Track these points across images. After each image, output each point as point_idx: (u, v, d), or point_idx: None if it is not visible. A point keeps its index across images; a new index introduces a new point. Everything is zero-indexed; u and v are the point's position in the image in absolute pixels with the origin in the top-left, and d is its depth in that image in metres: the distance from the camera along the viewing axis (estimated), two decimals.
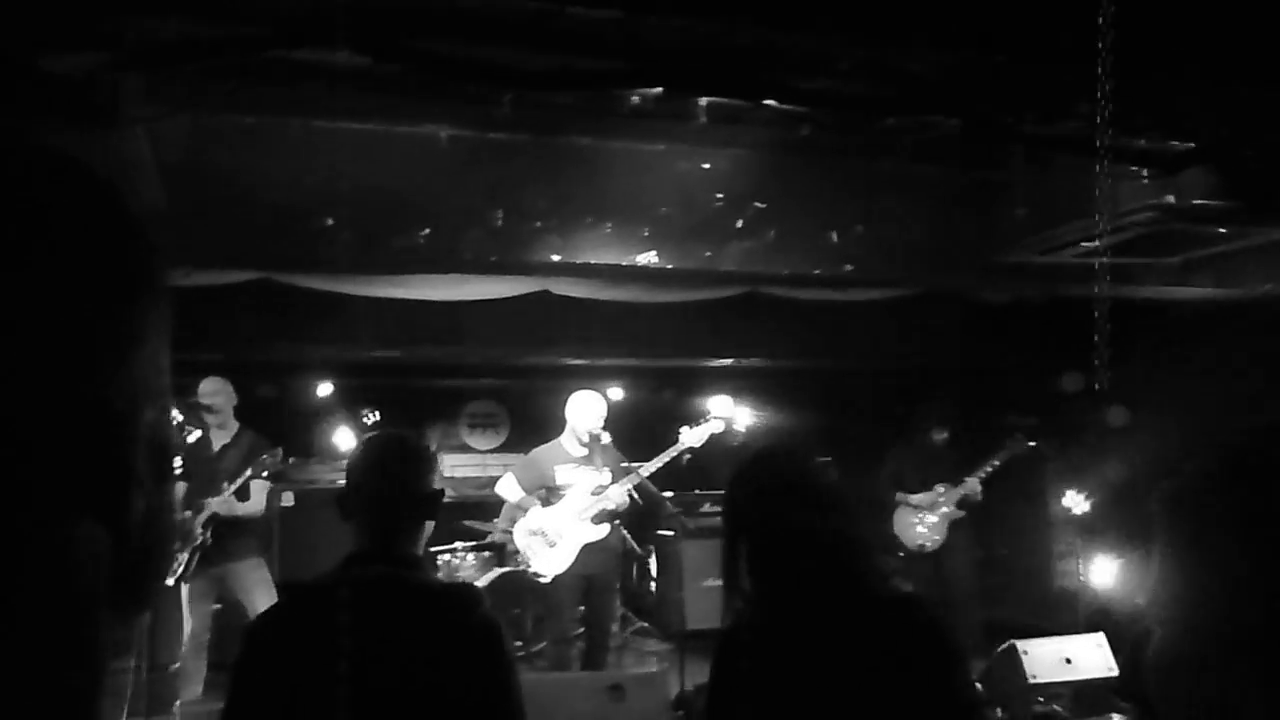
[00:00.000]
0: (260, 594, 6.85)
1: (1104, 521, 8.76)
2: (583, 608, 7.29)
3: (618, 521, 7.31)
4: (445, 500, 2.77)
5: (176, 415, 7.33)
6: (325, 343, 8.86)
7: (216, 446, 7.20)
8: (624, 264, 7.57)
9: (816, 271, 7.93)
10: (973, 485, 8.79)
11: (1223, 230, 7.19)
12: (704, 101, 6.01)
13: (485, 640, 2.50)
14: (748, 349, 9.51)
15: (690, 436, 7.37)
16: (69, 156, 0.67)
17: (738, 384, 10.68)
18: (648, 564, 10.90)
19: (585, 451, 7.23)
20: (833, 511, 2.70)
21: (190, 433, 7.16)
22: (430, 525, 2.70)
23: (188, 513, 7.01)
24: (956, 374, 10.09)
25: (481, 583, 8.11)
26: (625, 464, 7.26)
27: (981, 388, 10.11)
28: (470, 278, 7.66)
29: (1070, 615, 8.46)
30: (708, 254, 7.67)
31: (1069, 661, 6.54)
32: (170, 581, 6.90)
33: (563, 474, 7.17)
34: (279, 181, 6.72)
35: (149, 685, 6.36)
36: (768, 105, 5.14)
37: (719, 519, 9.36)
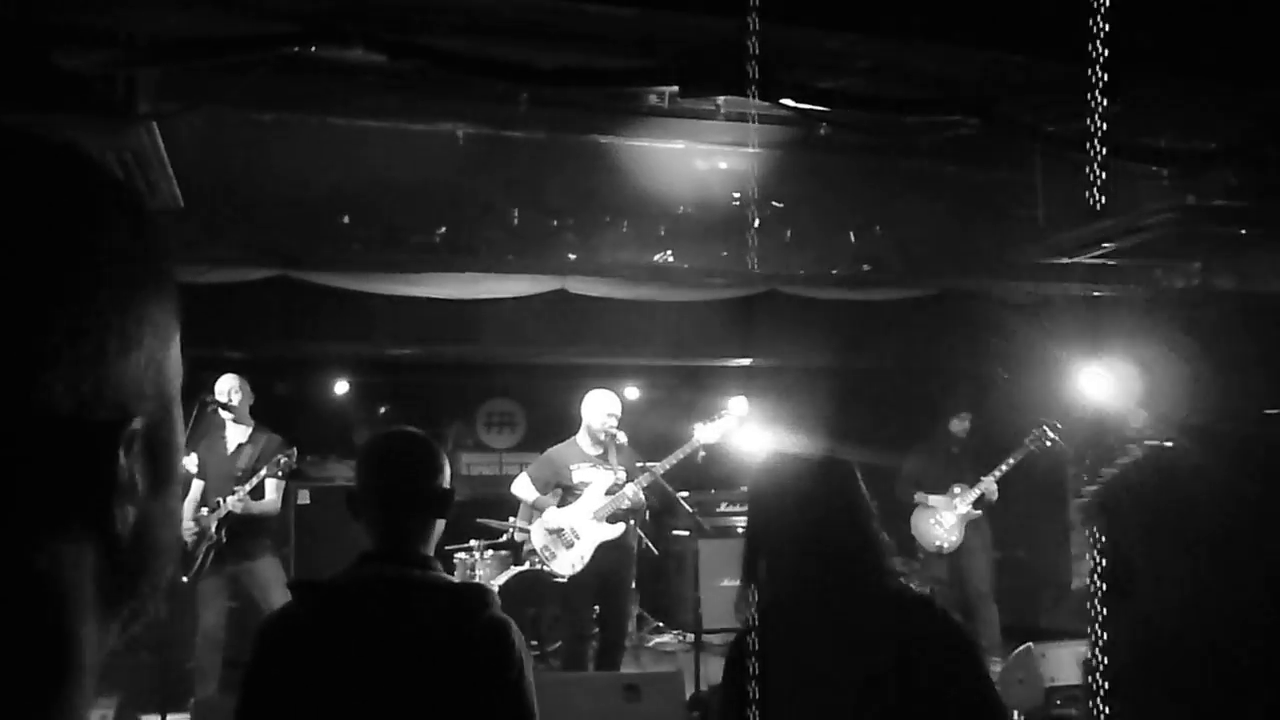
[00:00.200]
0: (276, 592, 6.84)
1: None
2: (598, 607, 7.28)
3: (633, 521, 7.29)
4: (462, 499, 2.75)
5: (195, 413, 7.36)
6: (342, 340, 8.87)
7: (232, 445, 7.20)
8: (641, 263, 7.57)
9: (834, 271, 7.91)
10: (989, 485, 8.75)
11: (1243, 231, 7.14)
12: (721, 100, 6.00)
13: (497, 640, 2.49)
14: (765, 349, 9.50)
15: (704, 433, 7.34)
16: (73, 148, 0.65)
17: (755, 384, 10.65)
18: (664, 563, 10.88)
19: (600, 450, 7.21)
20: (851, 512, 2.69)
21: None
22: (442, 524, 2.68)
23: (203, 510, 7.02)
24: (974, 373, 10.05)
25: (498, 581, 8.10)
26: (640, 463, 7.24)
27: (999, 387, 10.07)
28: (487, 276, 7.66)
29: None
30: (724, 253, 7.66)
31: None
32: (185, 579, 6.92)
33: (578, 473, 7.16)
34: (296, 179, 6.73)
35: (163, 682, 6.38)
36: (786, 104, 5.12)
37: (735, 519, 9.35)
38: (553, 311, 8.18)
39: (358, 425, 10.84)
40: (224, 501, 6.90)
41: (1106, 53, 3.73)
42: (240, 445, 7.20)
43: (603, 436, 7.14)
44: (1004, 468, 8.80)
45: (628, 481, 7.11)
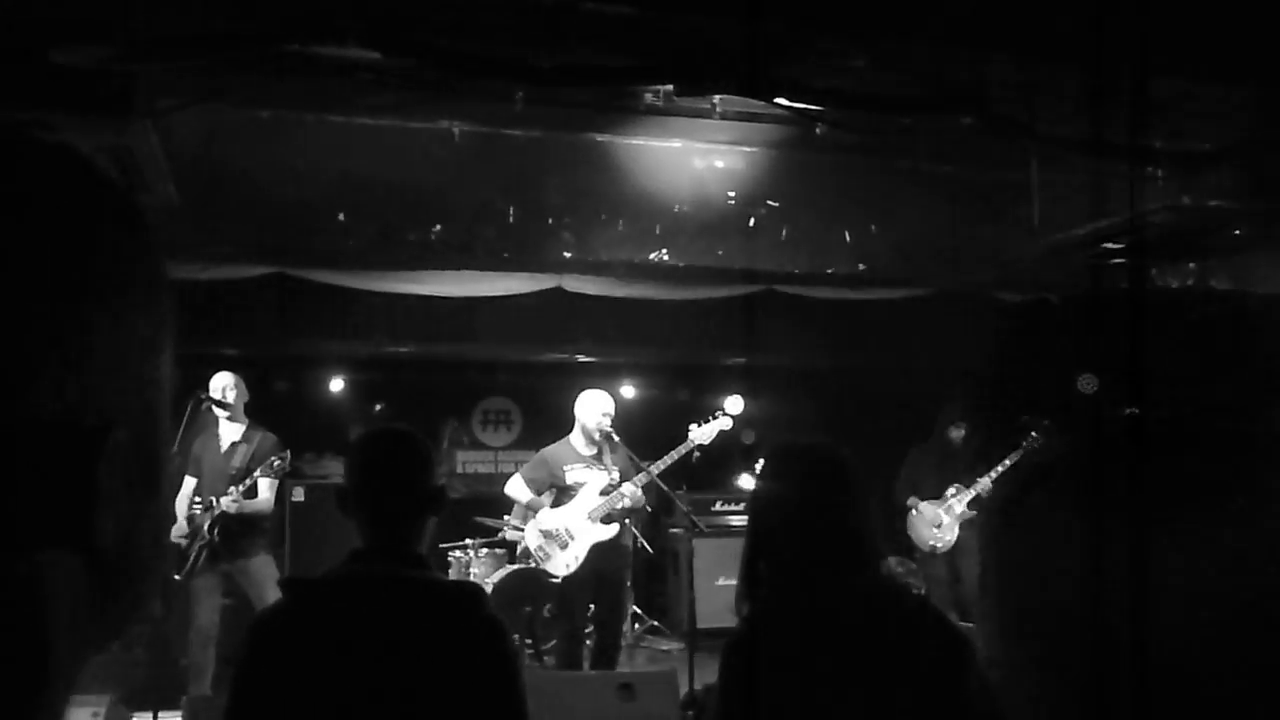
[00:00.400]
0: (269, 589, 6.83)
1: None
2: (594, 606, 7.28)
3: (629, 520, 7.29)
4: (458, 497, 2.75)
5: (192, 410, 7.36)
6: (338, 338, 8.88)
7: (226, 443, 7.18)
8: (637, 261, 7.57)
9: (830, 270, 7.92)
10: (985, 485, 8.75)
11: (1239, 232, 7.15)
12: (718, 99, 6.00)
13: (488, 638, 2.49)
14: (761, 348, 9.50)
15: (699, 434, 7.35)
16: (68, 149, 0.64)
17: (751, 383, 10.66)
18: (659, 563, 10.89)
19: (595, 450, 7.20)
20: (850, 512, 2.69)
21: (201, 428, 7.16)
22: (433, 521, 2.68)
23: (196, 509, 7.02)
24: (970, 373, 10.06)
25: (493, 579, 8.10)
26: (635, 462, 7.24)
27: (996, 387, 10.07)
28: (484, 274, 7.66)
29: None
30: (720, 252, 7.66)
31: None
32: (178, 577, 6.91)
33: (573, 474, 7.15)
34: (293, 176, 6.73)
35: (157, 679, 6.37)
36: (781, 104, 5.12)
37: (730, 518, 9.35)
38: (549, 309, 8.18)
39: (353, 423, 10.82)
40: (217, 501, 6.89)
41: (1102, 53, 3.74)
42: (234, 443, 7.18)
43: (597, 436, 7.13)
44: (1000, 468, 8.80)
45: (622, 481, 7.10)
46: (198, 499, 7.02)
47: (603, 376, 8.91)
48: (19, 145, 0.62)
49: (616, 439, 7.16)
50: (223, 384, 7.16)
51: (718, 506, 10.30)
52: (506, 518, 8.09)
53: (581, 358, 10.03)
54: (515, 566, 8.15)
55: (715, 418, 7.43)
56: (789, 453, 2.86)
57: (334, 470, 10.07)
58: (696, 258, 7.71)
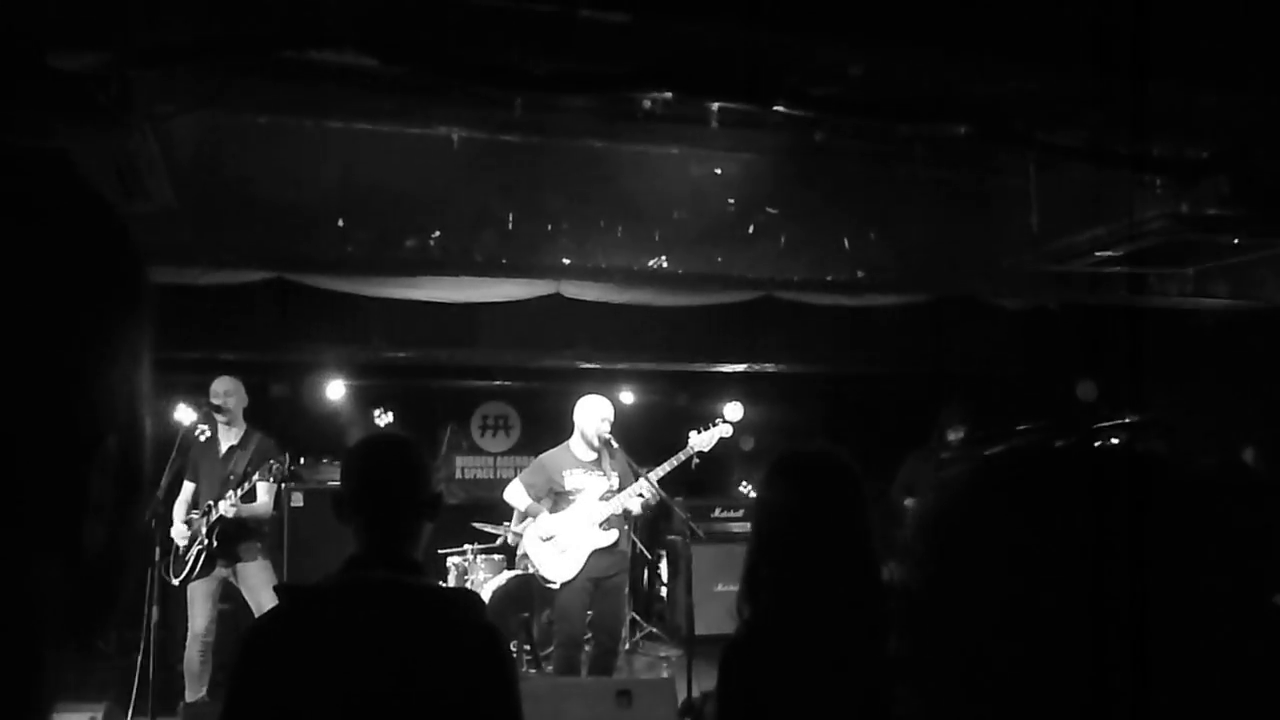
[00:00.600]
0: (266, 595, 6.84)
1: None
2: (592, 612, 7.27)
3: (627, 526, 7.29)
4: (456, 502, 2.75)
5: (189, 415, 7.37)
6: (337, 343, 8.88)
7: (224, 447, 7.20)
8: (636, 267, 7.57)
9: (829, 277, 7.92)
10: None
11: (1237, 240, 7.15)
12: (716, 106, 6.01)
13: (484, 645, 2.49)
14: (760, 354, 9.51)
15: (698, 441, 7.35)
16: (59, 163, 0.65)
17: (750, 389, 10.67)
18: (657, 569, 10.89)
19: (594, 456, 7.20)
20: (853, 518, 2.71)
21: (201, 433, 7.17)
22: (430, 528, 2.68)
23: (194, 513, 7.03)
24: (969, 380, 10.06)
25: (491, 585, 8.10)
26: (634, 468, 7.23)
27: (994, 393, 10.08)
28: (482, 279, 7.66)
29: None
30: (719, 258, 7.67)
31: None
32: (176, 582, 6.92)
33: (571, 479, 7.15)
34: (291, 181, 6.74)
35: (154, 685, 6.36)
36: (780, 110, 5.12)
37: (729, 524, 9.33)
38: (547, 315, 8.18)
39: (352, 428, 10.82)
40: (215, 505, 6.90)
41: (1099, 60, 3.74)
42: (232, 447, 7.20)
43: (596, 442, 7.13)
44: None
45: (621, 488, 7.11)
46: (195, 508, 7.04)
47: (601, 382, 8.92)
48: (11, 161, 0.62)
49: (615, 445, 7.15)
50: (223, 389, 7.18)
51: (716, 513, 10.31)
52: (506, 524, 8.08)
53: (580, 363, 10.03)
54: (513, 572, 8.16)
55: (715, 424, 7.43)
56: (794, 459, 2.87)
57: (332, 475, 10.08)
58: (695, 264, 7.72)
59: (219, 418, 7.16)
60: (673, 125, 6.49)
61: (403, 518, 2.63)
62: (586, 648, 7.38)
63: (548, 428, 9.07)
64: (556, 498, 7.18)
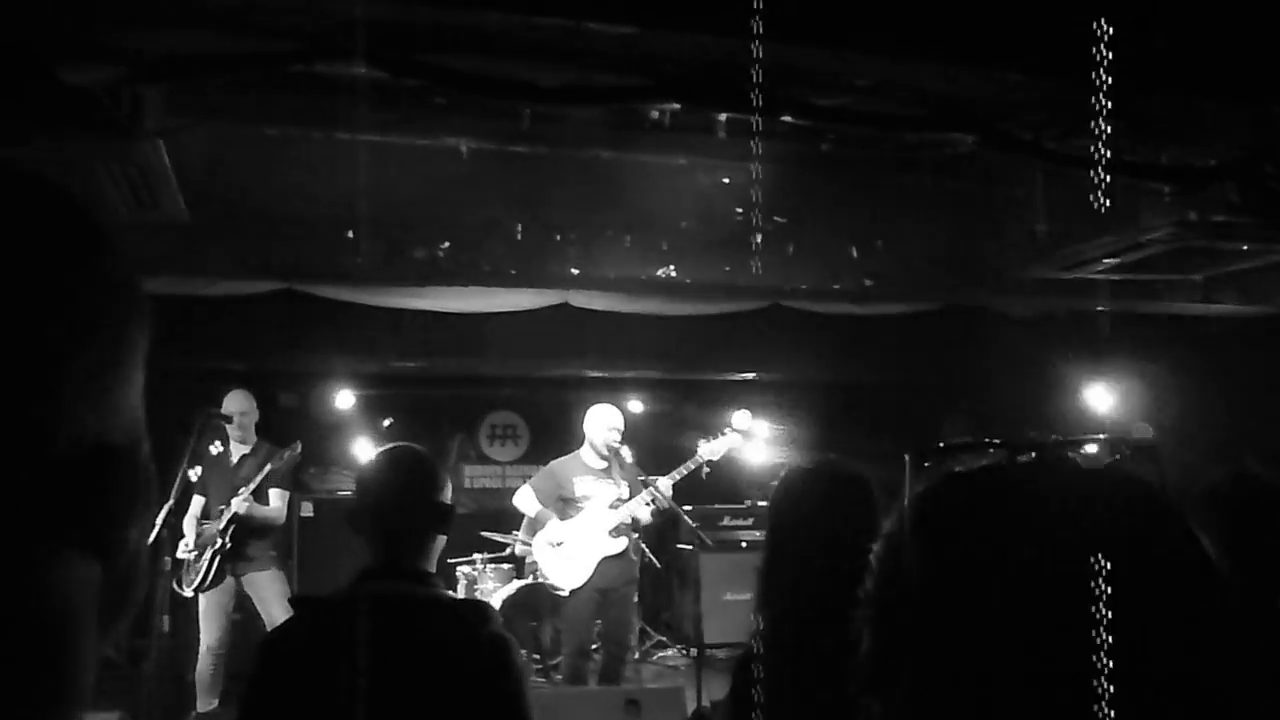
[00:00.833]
0: (278, 606, 6.85)
1: None
2: (600, 621, 7.27)
3: (636, 535, 7.29)
4: (465, 512, 2.77)
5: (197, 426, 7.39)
6: (346, 353, 8.91)
7: (235, 458, 7.23)
8: (644, 277, 7.59)
9: (836, 285, 7.93)
10: None
11: (1245, 247, 7.15)
12: (723, 116, 6.02)
13: (496, 656, 2.50)
14: (768, 363, 9.51)
15: (708, 450, 7.35)
16: (40, 177, 0.66)
17: (758, 398, 10.66)
18: (666, 578, 10.88)
19: (604, 464, 7.21)
20: (867, 529, 2.71)
21: (213, 446, 7.18)
22: (442, 539, 2.70)
23: (205, 524, 7.04)
24: (976, 388, 10.06)
25: (501, 595, 8.10)
26: (643, 477, 7.24)
27: (1001, 402, 10.07)
28: (491, 290, 7.69)
29: None
30: (727, 267, 7.68)
31: None
32: (189, 592, 6.92)
33: (581, 486, 7.16)
34: (300, 193, 6.76)
35: (165, 695, 6.37)
36: (786, 121, 5.14)
37: (738, 533, 9.30)
38: (556, 325, 8.21)
39: (361, 438, 10.85)
40: (228, 505, 6.91)
41: (1106, 69, 3.75)
42: (244, 457, 7.22)
43: (606, 451, 7.14)
44: None
45: (631, 496, 7.11)
46: (206, 518, 7.05)
47: (610, 391, 8.92)
48: None
49: (626, 453, 7.16)
50: (237, 405, 7.17)
51: (726, 521, 10.29)
52: (515, 533, 8.09)
53: (588, 373, 10.05)
54: (523, 582, 8.16)
55: (724, 433, 7.43)
56: (808, 470, 2.89)
57: (341, 485, 10.10)
58: (703, 273, 7.73)
59: (231, 431, 7.18)
60: (680, 135, 6.51)
61: (416, 530, 2.65)
62: (595, 657, 7.39)
63: (556, 437, 9.09)
64: (565, 505, 7.19)
